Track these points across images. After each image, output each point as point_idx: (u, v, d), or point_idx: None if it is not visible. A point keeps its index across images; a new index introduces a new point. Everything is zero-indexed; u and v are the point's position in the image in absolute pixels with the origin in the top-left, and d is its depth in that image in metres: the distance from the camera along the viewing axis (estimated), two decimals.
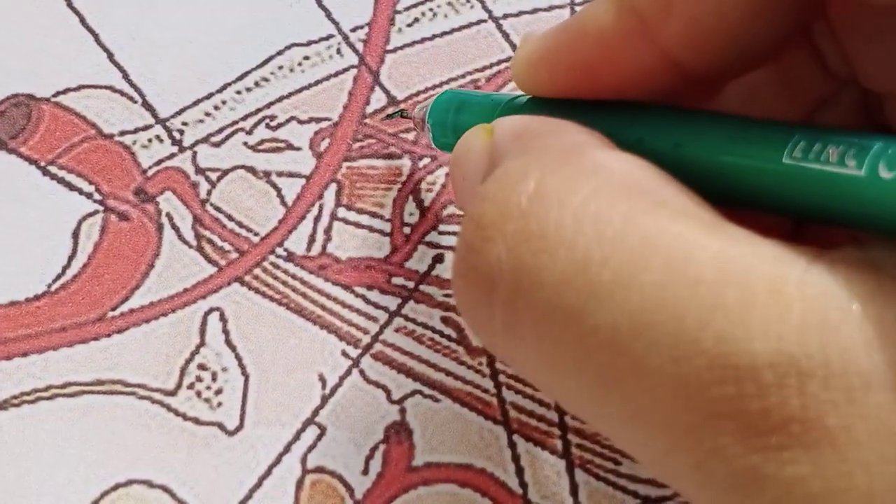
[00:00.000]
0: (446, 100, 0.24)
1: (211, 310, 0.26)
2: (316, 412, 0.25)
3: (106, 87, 0.29)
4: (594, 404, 0.14)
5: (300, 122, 0.28)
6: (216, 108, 0.28)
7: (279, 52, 0.29)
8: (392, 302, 0.26)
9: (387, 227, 0.27)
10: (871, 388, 0.12)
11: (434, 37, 0.30)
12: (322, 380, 0.25)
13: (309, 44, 0.29)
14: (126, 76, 0.29)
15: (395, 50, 0.30)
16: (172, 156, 0.28)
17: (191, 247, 0.27)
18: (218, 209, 0.27)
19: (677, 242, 0.14)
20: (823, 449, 0.12)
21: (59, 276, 0.26)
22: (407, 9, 0.30)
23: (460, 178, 0.19)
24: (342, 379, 0.25)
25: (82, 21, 0.29)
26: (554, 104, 0.19)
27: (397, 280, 0.26)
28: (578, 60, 0.18)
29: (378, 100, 0.29)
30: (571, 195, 0.15)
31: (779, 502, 0.12)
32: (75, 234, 0.27)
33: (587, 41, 0.18)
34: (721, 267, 0.13)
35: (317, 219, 0.27)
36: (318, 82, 0.29)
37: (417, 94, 0.29)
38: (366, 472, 0.24)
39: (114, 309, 0.26)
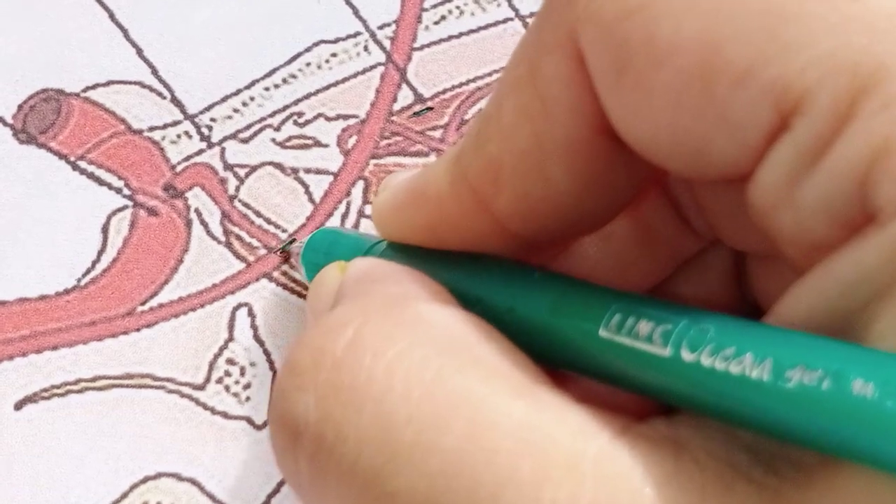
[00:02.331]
0: (319, 239, 0.25)
1: (239, 305, 0.26)
2: None
3: (135, 83, 0.29)
4: None
5: (328, 118, 0.29)
6: (244, 104, 0.29)
7: (307, 49, 0.29)
8: None
9: None
10: None
11: (461, 35, 0.30)
12: None
13: (336, 41, 0.30)
14: (155, 72, 0.29)
15: (422, 47, 0.30)
16: (201, 152, 0.28)
17: (219, 242, 0.27)
18: (246, 205, 0.27)
19: (482, 406, 0.13)
20: None
21: (88, 271, 0.26)
22: (434, 6, 0.30)
23: (313, 315, 0.19)
24: None
25: (112, 17, 0.29)
26: (409, 251, 0.19)
27: None
28: (421, 220, 0.19)
29: (405, 97, 0.29)
30: (387, 347, 0.14)
31: None
32: (105, 229, 0.27)
33: (427, 204, 0.18)
34: (521, 436, 0.13)
35: (344, 216, 0.27)
36: (345, 79, 0.29)
37: (444, 91, 0.29)
38: None
39: (143, 303, 0.26)
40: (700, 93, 0.13)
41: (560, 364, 0.16)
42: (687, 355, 0.13)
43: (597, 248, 0.20)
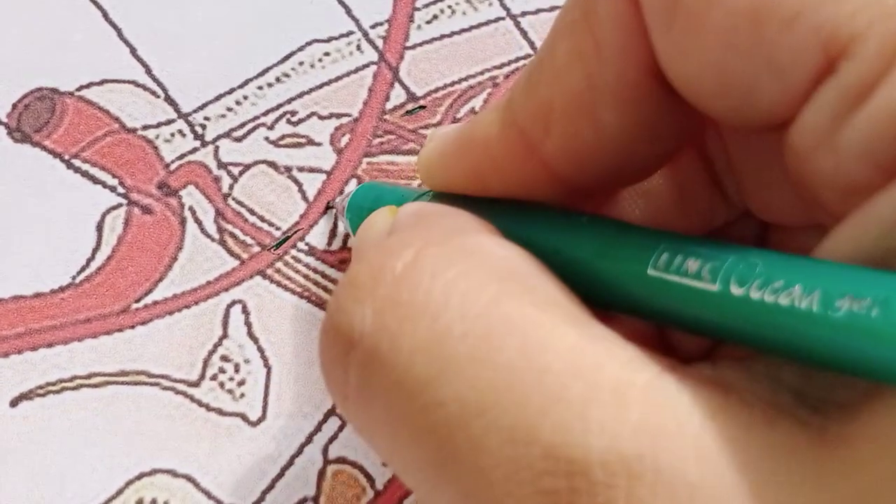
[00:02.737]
0: (363, 193, 0.25)
1: (233, 302, 0.26)
2: None
3: (129, 82, 0.29)
4: (431, 480, 0.14)
5: (321, 117, 0.29)
6: (238, 103, 0.29)
7: (300, 49, 0.30)
8: None
9: None
10: (695, 498, 0.12)
11: (453, 34, 0.30)
12: None
13: (329, 40, 0.30)
14: (149, 71, 0.29)
15: (414, 46, 0.30)
16: (195, 150, 0.28)
17: (213, 240, 0.27)
18: (240, 203, 0.27)
19: (536, 330, 0.14)
20: None
21: (83, 269, 0.26)
22: (426, 6, 0.30)
23: (362, 252, 0.20)
24: None
25: (105, 16, 0.30)
26: (454, 200, 0.20)
27: None
28: (468, 166, 0.19)
29: (398, 96, 0.29)
30: (445, 270, 0.15)
31: None
32: (99, 227, 0.27)
33: (475, 150, 0.19)
34: (572, 360, 0.13)
35: (337, 214, 0.27)
36: (338, 78, 0.29)
37: (437, 90, 0.29)
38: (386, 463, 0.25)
39: (137, 301, 0.26)
40: (749, 34, 0.13)
41: (608, 305, 0.16)
42: (736, 290, 0.13)
43: (635, 207, 0.20)
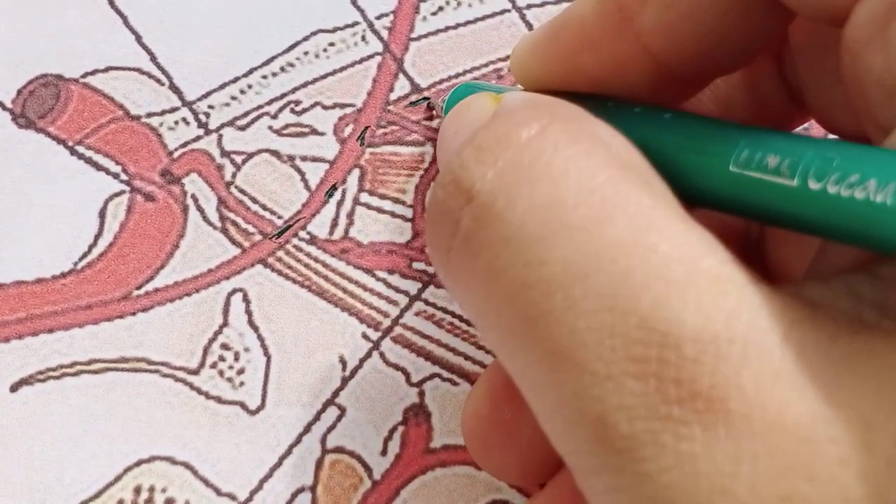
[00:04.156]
0: (462, 91, 0.25)
1: (234, 290, 0.26)
2: (336, 393, 0.25)
3: (134, 69, 0.29)
4: (519, 338, 0.15)
5: (325, 107, 0.29)
6: (242, 92, 0.29)
7: (305, 38, 0.30)
8: (413, 286, 0.27)
9: (409, 212, 0.27)
10: (777, 386, 0.13)
11: (458, 25, 0.30)
12: (342, 361, 0.26)
13: (334, 30, 0.30)
14: (154, 59, 0.29)
15: (419, 38, 0.30)
16: (198, 138, 0.28)
17: (215, 228, 0.27)
18: (242, 192, 0.27)
19: (647, 213, 0.14)
20: (720, 432, 0.13)
21: (85, 255, 0.26)
22: None
23: (452, 132, 0.20)
24: (362, 361, 0.26)
25: (111, 4, 0.30)
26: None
27: (418, 265, 0.27)
28: (563, 50, 0.19)
29: (402, 87, 0.29)
30: (567, 146, 0.15)
31: (665, 472, 0.13)
32: (102, 214, 0.27)
33: (571, 31, 0.19)
34: (678, 245, 0.14)
35: (340, 203, 0.27)
36: (342, 69, 0.29)
37: (441, 82, 0.29)
38: (384, 453, 0.25)
39: (139, 288, 0.26)
40: None
41: (691, 199, 0.16)
42: (814, 184, 0.14)
43: (715, 113, 0.21)
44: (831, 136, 0.21)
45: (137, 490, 0.24)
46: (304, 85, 0.29)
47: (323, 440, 0.25)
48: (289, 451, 0.25)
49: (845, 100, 0.17)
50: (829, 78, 0.18)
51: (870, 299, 0.14)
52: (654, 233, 0.14)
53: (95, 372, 0.25)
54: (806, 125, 0.23)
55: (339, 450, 0.25)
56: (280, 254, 0.27)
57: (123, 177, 0.27)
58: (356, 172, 0.28)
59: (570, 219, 0.14)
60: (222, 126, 0.28)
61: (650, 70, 0.18)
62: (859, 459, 0.12)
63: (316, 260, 0.27)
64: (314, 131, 0.28)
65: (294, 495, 0.24)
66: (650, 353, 0.13)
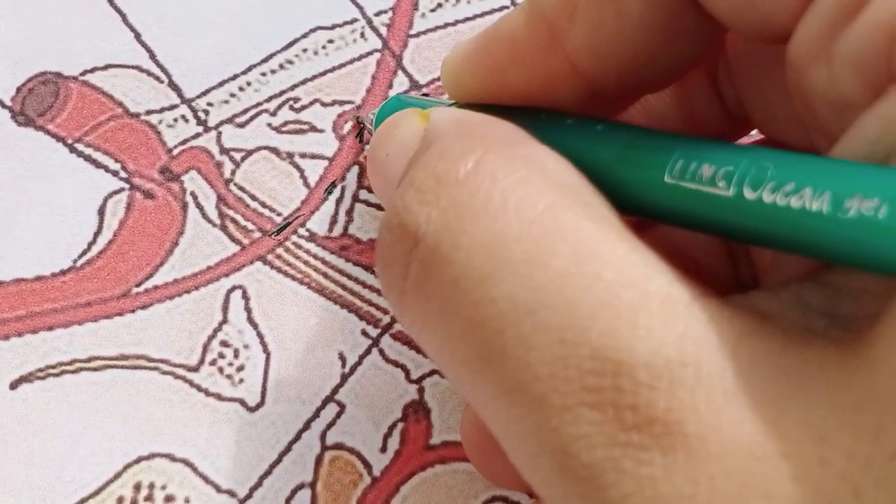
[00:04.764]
0: (391, 107, 0.25)
1: (234, 287, 0.26)
2: (336, 390, 0.25)
3: (133, 67, 0.29)
4: (476, 375, 0.15)
5: (324, 104, 0.29)
6: (241, 89, 0.29)
7: (304, 35, 0.30)
8: None
9: None
10: (729, 405, 0.13)
11: (457, 22, 0.30)
12: (342, 358, 0.26)
13: (333, 27, 0.30)
14: (153, 56, 0.29)
15: (418, 34, 0.30)
16: (197, 135, 0.28)
17: (214, 225, 0.27)
18: (242, 189, 0.27)
19: (589, 239, 0.14)
20: (678, 455, 0.13)
21: (84, 252, 0.27)
22: None
23: (384, 153, 0.20)
24: (362, 358, 0.26)
25: (110, 1, 0.30)
26: (480, 110, 0.20)
27: None
28: (493, 64, 0.19)
29: (401, 84, 0.29)
30: (505, 176, 0.15)
31: (627, 498, 0.13)
32: (101, 211, 0.27)
33: (500, 45, 0.19)
34: (623, 271, 0.14)
35: (339, 200, 0.27)
36: (341, 65, 0.29)
37: (439, 78, 0.29)
38: (384, 449, 0.25)
39: (138, 285, 0.26)
40: None
41: (627, 211, 0.17)
42: (749, 194, 0.14)
43: (647, 125, 0.20)
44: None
45: (137, 487, 0.24)
46: (304, 82, 0.29)
47: (322, 437, 0.25)
48: (288, 448, 0.25)
49: (790, 112, 0.17)
50: (773, 91, 0.18)
51: (818, 308, 0.14)
52: (596, 259, 0.14)
53: (95, 369, 0.25)
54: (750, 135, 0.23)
55: (338, 446, 0.25)
56: (279, 251, 0.27)
57: (123, 174, 0.27)
58: (355, 169, 0.28)
59: (513, 253, 0.14)
60: (221, 123, 0.28)
61: (579, 87, 0.18)
62: (812, 475, 0.12)
63: (315, 257, 0.27)
64: (313, 128, 0.28)
65: (294, 492, 0.24)
66: (605, 382, 0.13)
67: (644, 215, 0.17)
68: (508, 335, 0.14)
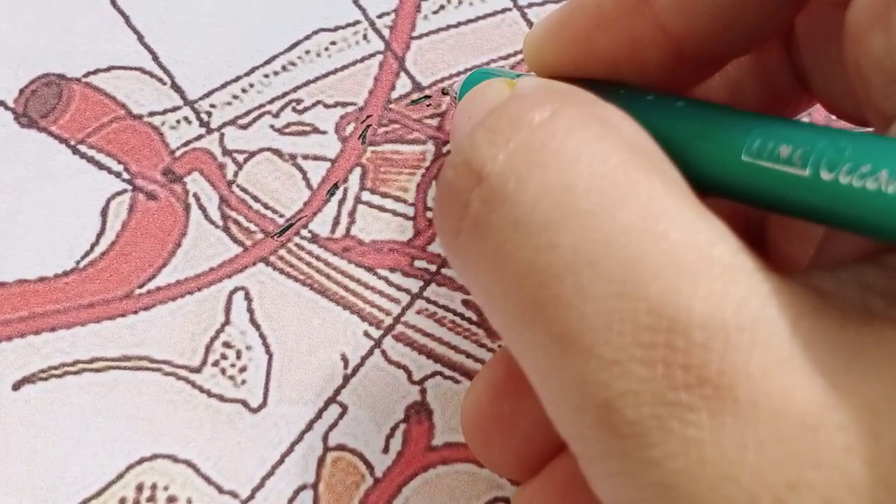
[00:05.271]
0: (476, 78, 0.25)
1: (236, 289, 0.26)
2: (338, 391, 0.25)
3: (136, 69, 0.29)
4: (527, 321, 0.15)
5: (326, 106, 0.29)
6: (244, 90, 0.29)
7: (306, 37, 0.30)
8: (414, 284, 0.27)
9: (410, 211, 0.27)
10: (784, 373, 0.13)
11: (459, 24, 0.30)
12: (344, 359, 0.26)
13: (336, 29, 0.30)
14: (156, 58, 0.29)
15: (420, 36, 0.30)
16: (200, 137, 0.28)
17: (217, 227, 0.27)
18: (244, 190, 0.28)
19: (660, 198, 0.14)
20: (727, 418, 0.13)
21: (87, 254, 0.27)
22: None
23: (466, 117, 0.20)
24: (364, 359, 0.26)
25: (113, 3, 0.30)
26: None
27: (420, 263, 0.27)
28: (578, 31, 0.19)
29: (403, 85, 0.29)
30: (579, 130, 0.15)
31: (671, 458, 0.13)
32: (104, 213, 0.27)
33: (586, 10, 0.19)
34: (689, 234, 0.14)
35: (341, 202, 0.27)
36: (344, 67, 0.29)
37: (442, 80, 0.29)
38: (386, 450, 0.25)
39: (141, 286, 0.26)
40: None
41: (702, 188, 0.16)
42: (826, 175, 0.14)
43: (726, 98, 0.21)
44: (838, 122, 0.21)
45: (139, 488, 0.24)
46: (306, 84, 0.29)
47: (325, 438, 0.25)
48: (291, 449, 0.25)
49: (848, 86, 0.17)
50: (833, 64, 0.18)
51: (878, 289, 0.14)
52: (665, 219, 0.14)
53: (97, 370, 0.25)
54: (808, 111, 0.23)
55: (340, 447, 0.25)
56: (282, 252, 0.27)
57: (125, 176, 0.27)
58: (358, 171, 0.28)
59: (580, 203, 0.14)
60: (224, 125, 0.28)
61: (665, 49, 0.18)
62: (865, 447, 0.12)
63: (318, 258, 0.27)
64: (316, 130, 0.28)
65: (296, 493, 0.24)
66: (658, 338, 0.13)
67: (718, 193, 0.17)
68: (566, 283, 0.14)
